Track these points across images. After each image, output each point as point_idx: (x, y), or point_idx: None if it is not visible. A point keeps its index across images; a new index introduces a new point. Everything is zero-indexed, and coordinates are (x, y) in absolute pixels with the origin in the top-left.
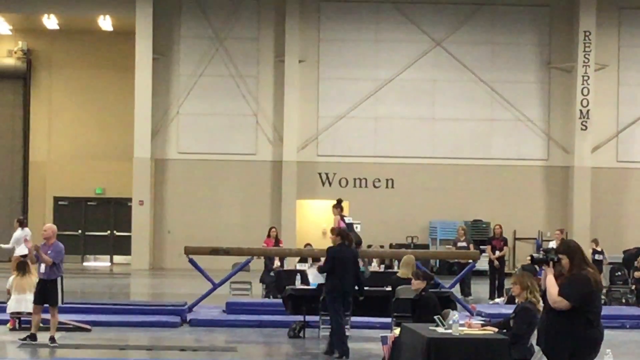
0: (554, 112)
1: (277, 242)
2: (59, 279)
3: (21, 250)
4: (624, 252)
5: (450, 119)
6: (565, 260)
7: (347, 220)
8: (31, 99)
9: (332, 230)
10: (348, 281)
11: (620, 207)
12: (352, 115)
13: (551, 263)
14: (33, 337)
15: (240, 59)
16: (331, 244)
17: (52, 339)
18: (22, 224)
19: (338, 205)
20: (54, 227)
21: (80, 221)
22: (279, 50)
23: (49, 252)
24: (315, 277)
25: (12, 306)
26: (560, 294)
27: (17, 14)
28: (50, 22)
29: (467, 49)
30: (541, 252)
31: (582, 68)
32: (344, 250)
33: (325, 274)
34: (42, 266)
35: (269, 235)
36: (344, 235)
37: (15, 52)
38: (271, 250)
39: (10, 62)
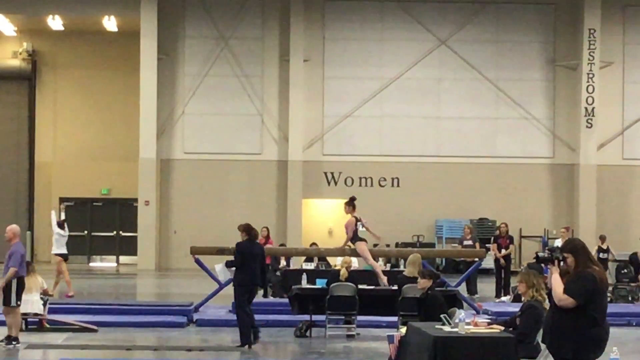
0: (559, 109)
1: (267, 241)
2: (13, 280)
3: (56, 249)
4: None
5: (455, 117)
6: (570, 259)
7: (359, 226)
8: (36, 100)
9: (239, 227)
10: (256, 274)
11: (625, 204)
12: (357, 114)
13: (556, 262)
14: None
15: (245, 59)
16: (340, 244)
17: (8, 339)
18: (62, 226)
19: (351, 203)
20: (15, 228)
21: (86, 222)
22: (283, 50)
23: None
24: (222, 272)
25: None
26: (565, 292)
27: (21, 15)
28: (55, 23)
29: (472, 48)
30: (546, 250)
31: (587, 66)
32: (252, 245)
33: (233, 268)
34: None
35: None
36: (249, 230)
37: (20, 53)
38: (277, 250)
39: (16, 63)
